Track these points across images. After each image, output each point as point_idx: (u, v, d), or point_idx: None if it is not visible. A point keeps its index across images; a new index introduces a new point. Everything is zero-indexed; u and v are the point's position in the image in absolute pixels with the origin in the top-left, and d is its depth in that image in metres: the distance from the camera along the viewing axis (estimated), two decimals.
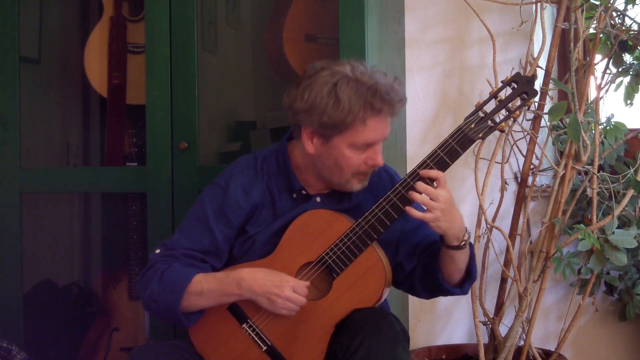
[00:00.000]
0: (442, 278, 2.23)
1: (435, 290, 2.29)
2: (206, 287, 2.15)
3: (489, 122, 2.11)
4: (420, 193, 2.10)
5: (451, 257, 2.19)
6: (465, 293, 2.30)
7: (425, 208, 2.12)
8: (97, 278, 3.39)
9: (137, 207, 3.15)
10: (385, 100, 2.10)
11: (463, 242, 2.16)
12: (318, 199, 2.25)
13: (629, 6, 2.86)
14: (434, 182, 2.11)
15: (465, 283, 2.26)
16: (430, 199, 2.09)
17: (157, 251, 2.23)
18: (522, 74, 2.17)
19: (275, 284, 2.11)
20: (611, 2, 2.79)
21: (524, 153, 2.89)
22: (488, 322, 2.89)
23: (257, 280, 2.13)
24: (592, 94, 2.90)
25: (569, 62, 2.79)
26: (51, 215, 3.39)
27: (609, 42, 2.91)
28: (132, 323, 3.22)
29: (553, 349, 2.91)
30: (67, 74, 3.43)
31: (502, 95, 2.14)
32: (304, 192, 2.25)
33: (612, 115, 2.90)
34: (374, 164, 2.16)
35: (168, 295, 2.14)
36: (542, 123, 2.88)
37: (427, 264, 2.26)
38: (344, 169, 2.16)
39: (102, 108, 3.38)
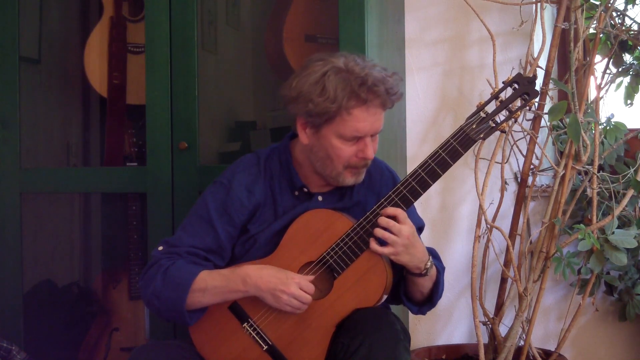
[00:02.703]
0: (403, 292, 2.28)
1: (394, 300, 2.33)
2: (211, 284, 2.15)
3: (490, 122, 2.11)
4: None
5: (413, 281, 2.24)
6: (422, 313, 2.34)
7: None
8: (97, 278, 3.38)
9: (137, 207, 3.14)
10: (372, 91, 2.09)
11: (425, 271, 2.19)
12: (320, 198, 2.25)
13: (629, 6, 2.86)
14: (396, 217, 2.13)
15: (424, 305, 2.31)
16: (393, 233, 2.11)
17: (160, 248, 2.23)
18: (522, 74, 2.17)
19: (282, 281, 2.11)
20: (611, 2, 2.79)
21: (524, 153, 2.89)
22: (488, 322, 2.89)
23: (263, 277, 2.13)
24: (592, 94, 2.90)
25: (569, 62, 2.79)
26: (51, 215, 3.39)
27: (609, 42, 2.91)
28: (132, 323, 3.22)
29: (553, 349, 2.91)
30: (67, 74, 3.43)
31: (503, 95, 2.14)
32: (305, 189, 2.25)
33: (612, 115, 2.90)
34: (364, 157, 2.16)
35: (172, 292, 2.14)
36: (542, 123, 2.89)
37: (397, 275, 2.27)
38: (334, 160, 2.16)
39: (102, 108, 3.37)
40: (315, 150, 2.18)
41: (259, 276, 2.13)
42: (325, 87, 2.09)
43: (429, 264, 2.19)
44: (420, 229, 2.36)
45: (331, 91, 2.08)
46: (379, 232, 2.12)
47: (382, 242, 2.15)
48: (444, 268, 2.33)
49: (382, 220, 2.12)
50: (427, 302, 2.30)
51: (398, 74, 2.18)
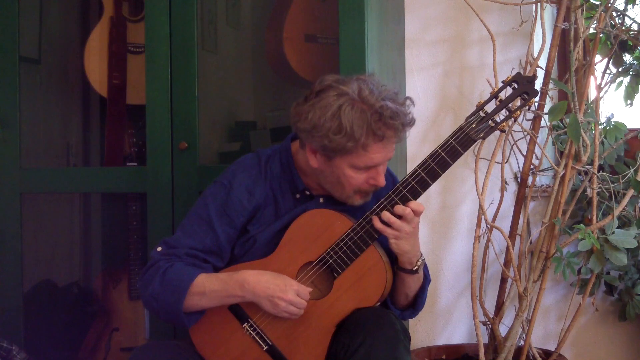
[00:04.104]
0: (388, 294, 2.26)
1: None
2: (209, 288, 2.15)
3: (490, 122, 2.11)
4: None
5: (402, 280, 2.23)
6: (403, 319, 2.34)
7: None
8: (97, 278, 3.38)
9: (137, 207, 3.14)
10: (389, 126, 2.08)
11: (416, 267, 2.20)
12: (321, 200, 2.25)
13: (629, 6, 2.86)
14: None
15: (406, 310, 2.31)
16: (406, 220, 2.12)
17: (159, 249, 2.23)
18: (522, 74, 2.17)
19: (280, 288, 2.11)
20: (611, 2, 2.79)
21: (524, 153, 2.89)
22: (488, 322, 2.89)
23: (260, 283, 2.13)
24: (592, 94, 2.90)
25: (569, 62, 2.79)
26: (51, 215, 3.39)
27: (609, 42, 2.91)
28: (132, 323, 3.22)
29: (553, 349, 2.91)
30: (67, 74, 3.43)
31: (503, 95, 2.14)
32: (307, 192, 2.25)
33: (612, 115, 2.90)
34: (375, 184, 2.16)
35: (170, 295, 2.14)
36: (542, 123, 2.89)
37: None
38: (345, 186, 2.16)
39: (102, 108, 3.38)
40: (325, 175, 2.18)
41: (257, 282, 2.13)
42: (342, 124, 2.06)
43: (420, 261, 2.20)
44: None
45: (348, 128, 2.06)
46: (386, 215, 2.11)
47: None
48: (430, 280, 2.34)
49: (399, 208, 2.11)
50: (410, 307, 2.31)
51: (410, 99, 2.16)
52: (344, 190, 2.17)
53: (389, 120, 2.07)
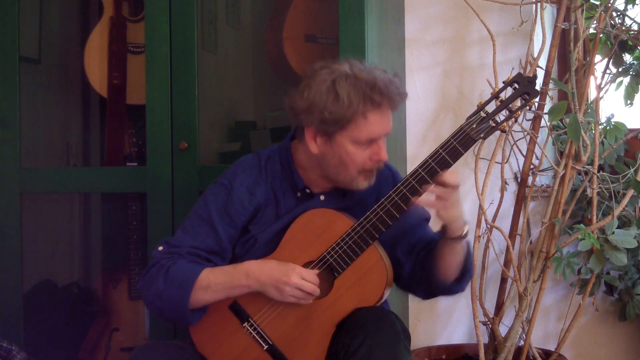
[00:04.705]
0: (440, 274, 2.22)
1: (433, 289, 2.27)
2: (214, 281, 2.15)
3: (491, 122, 2.11)
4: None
5: (452, 250, 2.18)
6: (463, 290, 2.28)
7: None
8: (97, 278, 3.39)
9: (137, 207, 3.15)
10: (384, 93, 2.11)
11: (465, 232, 2.16)
12: (322, 197, 2.25)
13: (629, 6, 2.87)
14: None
15: (462, 279, 2.25)
16: (451, 186, 2.08)
17: (160, 248, 2.22)
18: (522, 73, 2.17)
19: (283, 272, 2.11)
20: (611, 2, 2.79)
21: (524, 153, 2.89)
22: (488, 322, 2.89)
23: (264, 270, 2.13)
24: (592, 94, 2.91)
25: (569, 62, 2.79)
26: (51, 215, 3.39)
27: (609, 42, 2.91)
28: (132, 323, 3.22)
29: (553, 349, 2.91)
30: (67, 74, 3.43)
31: (503, 95, 2.14)
32: (307, 190, 2.26)
33: (612, 115, 2.91)
34: (378, 160, 2.16)
35: (176, 292, 2.14)
36: (542, 123, 2.89)
37: (424, 262, 2.25)
38: (349, 166, 2.16)
39: (102, 108, 3.37)
40: (327, 159, 2.18)
41: (261, 270, 2.14)
42: (339, 94, 2.09)
43: (467, 225, 2.16)
44: (427, 220, 2.34)
45: (345, 97, 2.09)
46: (431, 188, 2.07)
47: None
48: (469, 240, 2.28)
49: (445, 175, 2.06)
50: (464, 275, 2.23)
51: (399, 75, 2.20)
52: (347, 171, 2.17)
53: (384, 89, 2.10)
